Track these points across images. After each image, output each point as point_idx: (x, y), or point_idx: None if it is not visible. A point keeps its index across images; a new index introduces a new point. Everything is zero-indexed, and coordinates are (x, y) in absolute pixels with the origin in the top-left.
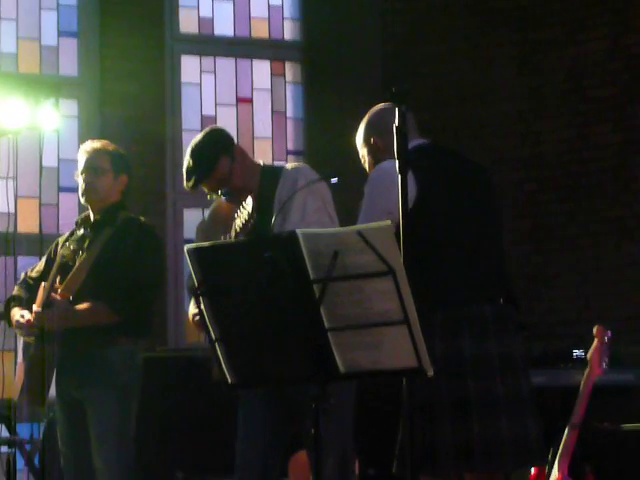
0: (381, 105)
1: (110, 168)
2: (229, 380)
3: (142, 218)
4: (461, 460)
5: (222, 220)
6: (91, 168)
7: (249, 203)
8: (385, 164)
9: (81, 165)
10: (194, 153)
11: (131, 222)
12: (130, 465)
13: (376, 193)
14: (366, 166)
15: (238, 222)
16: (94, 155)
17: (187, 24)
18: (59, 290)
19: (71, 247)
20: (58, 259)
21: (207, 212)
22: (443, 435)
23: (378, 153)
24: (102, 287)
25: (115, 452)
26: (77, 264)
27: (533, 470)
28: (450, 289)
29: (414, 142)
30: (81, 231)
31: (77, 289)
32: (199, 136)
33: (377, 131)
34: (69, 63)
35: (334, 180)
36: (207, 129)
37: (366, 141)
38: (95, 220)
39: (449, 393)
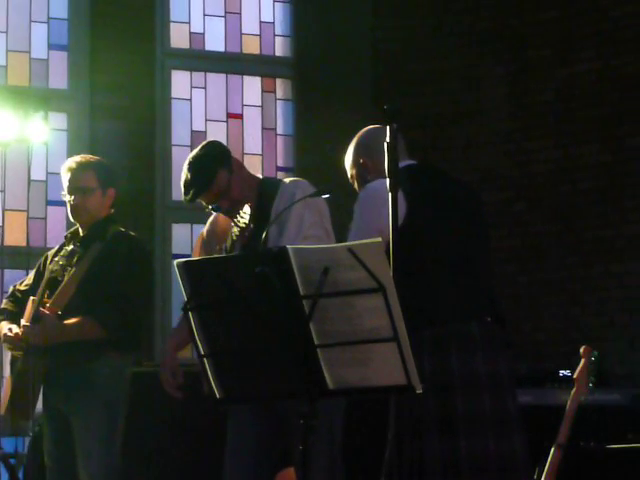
0: (370, 126)
1: (97, 185)
2: (218, 395)
3: (132, 233)
4: (449, 477)
5: (221, 233)
6: (78, 189)
7: (247, 211)
8: (375, 183)
9: (66, 184)
10: (192, 166)
11: (121, 237)
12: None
13: (366, 212)
14: (355, 186)
15: (235, 230)
16: (79, 173)
17: (178, 39)
18: (48, 305)
19: (60, 262)
20: (47, 274)
21: (196, 227)
22: (431, 451)
23: (367, 173)
24: (91, 302)
25: (101, 467)
26: (66, 279)
27: None
28: (438, 307)
29: (403, 162)
30: (70, 246)
31: (66, 304)
32: (196, 149)
33: (366, 152)
34: (59, 76)
35: (326, 195)
36: (204, 142)
37: (355, 161)
38: (84, 235)
39: (437, 410)
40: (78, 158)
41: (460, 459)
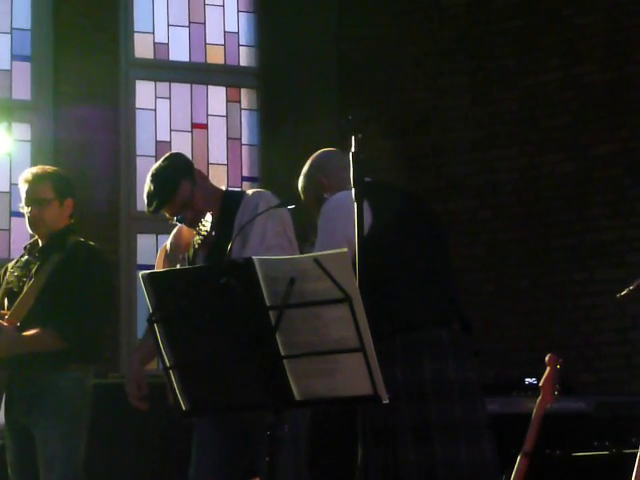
0: (324, 149)
1: (54, 196)
2: (183, 407)
3: (91, 243)
4: None
5: (185, 246)
6: (35, 200)
7: (208, 219)
8: (338, 195)
9: (23, 195)
10: (155, 178)
11: (80, 247)
12: None
13: (331, 224)
14: (310, 206)
15: (197, 238)
16: (35, 185)
17: (142, 49)
18: (6, 316)
19: (15, 273)
20: (4, 285)
21: (162, 238)
22: (406, 459)
23: (324, 192)
24: (50, 313)
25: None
26: (25, 290)
27: None
28: (408, 314)
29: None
30: (26, 257)
31: (25, 315)
32: (159, 161)
33: (322, 171)
34: (22, 87)
35: (291, 206)
36: (167, 154)
37: (312, 181)
38: (43, 246)
39: (411, 418)
40: (34, 169)
41: (436, 466)
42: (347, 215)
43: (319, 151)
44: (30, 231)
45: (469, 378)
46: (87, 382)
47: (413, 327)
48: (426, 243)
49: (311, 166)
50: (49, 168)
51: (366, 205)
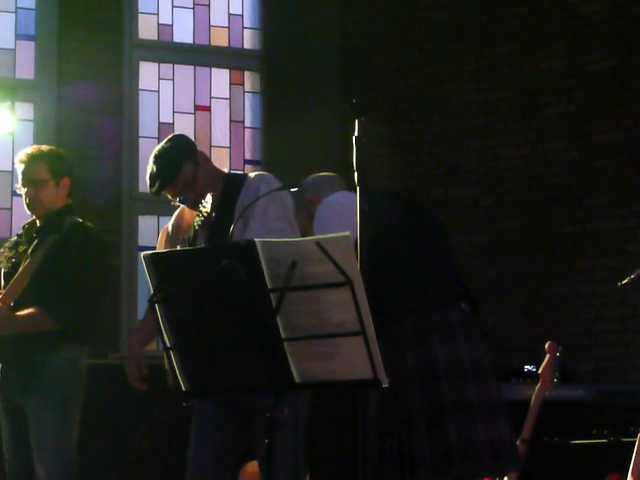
0: (319, 173)
1: (49, 177)
2: (183, 388)
3: (89, 223)
4: (440, 466)
5: (186, 227)
6: (31, 181)
7: (209, 201)
8: (330, 197)
9: (20, 176)
10: (158, 159)
11: (76, 227)
12: (72, 473)
13: (326, 222)
14: (303, 225)
15: (197, 220)
16: (30, 165)
17: (146, 31)
18: (0, 296)
19: (5, 254)
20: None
21: (163, 219)
22: (421, 442)
23: (313, 207)
24: (44, 293)
25: (56, 460)
26: (20, 270)
27: None
28: (417, 295)
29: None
30: (22, 237)
31: (19, 295)
32: (162, 142)
33: (313, 188)
34: (26, 66)
35: (293, 189)
36: (170, 136)
37: (302, 201)
38: (41, 226)
39: (424, 400)
40: (29, 149)
41: (451, 448)
42: (341, 212)
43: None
44: (27, 212)
45: (481, 359)
46: (81, 362)
47: (422, 309)
48: (426, 227)
49: (302, 185)
50: (45, 147)
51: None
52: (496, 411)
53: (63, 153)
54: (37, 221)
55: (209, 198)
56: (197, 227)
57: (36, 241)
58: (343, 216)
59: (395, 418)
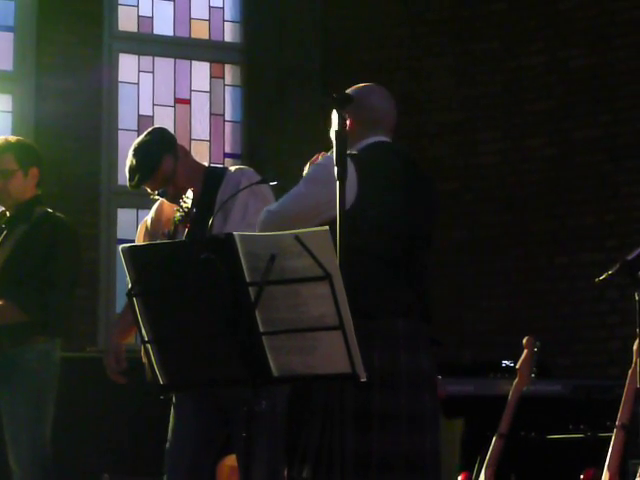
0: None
1: (17, 167)
2: (161, 381)
3: (59, 214)
4: (360, 471)
5: (165, 221)
6: None
7: (189, 196)
8: (326, 157)
9: None
10: (137, 152)
11: (46, 218)
12: (46, 467)
13: (312, 182)
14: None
15: (177, 215)
16: None
17: (126, 22)
18: None
19: None
20: None
21: (142, 212)
22: (348, 444)
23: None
24: (13, 285)
25: (29, 454)
26: None
27: (461, 477)
28: (367, 303)
29: (372, 138)
30: None
31: None
32: (142, 135)
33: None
34: (4, 57)
35: (273, 183)
36: (150, 129)
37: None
38: (10, 216)
39: (355, 405)
40: None
41: (371, 454)
42: (332, 179)
43: None
44: None
45: (420, 369)
46: (54, 355)
47: (369, 317)
48: (408, 227)
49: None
50: (12, 138)
51: (354, 178)
52: (423, 421)
53: (31, 143)
54: (6, 212)
55: (190, 193)
56: (177, 222)
57: (5, 232)
58: (331, 185)
59: (331, 416)
